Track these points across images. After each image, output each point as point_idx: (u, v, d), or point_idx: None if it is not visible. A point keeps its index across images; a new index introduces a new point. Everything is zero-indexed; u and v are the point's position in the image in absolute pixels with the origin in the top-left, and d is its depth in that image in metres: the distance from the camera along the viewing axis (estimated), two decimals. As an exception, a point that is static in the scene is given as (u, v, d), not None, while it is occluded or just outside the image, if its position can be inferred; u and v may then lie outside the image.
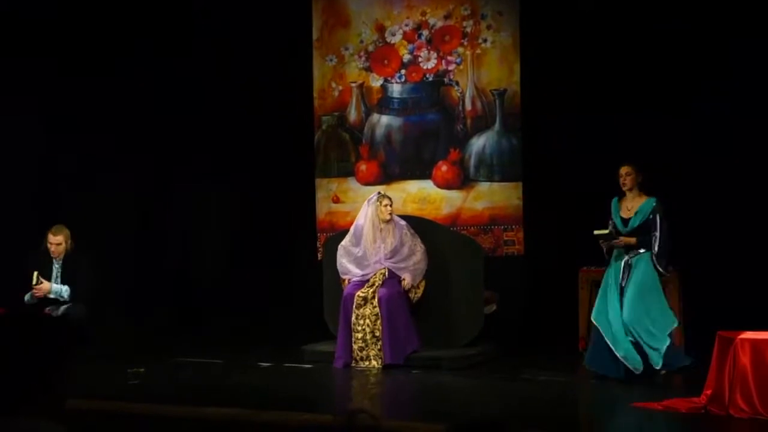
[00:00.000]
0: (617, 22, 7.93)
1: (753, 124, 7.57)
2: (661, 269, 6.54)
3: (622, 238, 6.57)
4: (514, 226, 8.37)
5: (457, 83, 8.56)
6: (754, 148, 7.58)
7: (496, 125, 8.45)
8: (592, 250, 7.67)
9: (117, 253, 8.75)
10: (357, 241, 7.48)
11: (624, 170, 6.63)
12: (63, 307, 7.27)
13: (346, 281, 7.50)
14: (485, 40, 8.48)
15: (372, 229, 7.42)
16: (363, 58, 8.82)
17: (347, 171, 8.85)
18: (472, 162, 8.53)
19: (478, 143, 8.50)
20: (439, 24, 8.61)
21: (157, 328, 8.59)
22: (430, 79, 8.65)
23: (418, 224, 7.82)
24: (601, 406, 6.11)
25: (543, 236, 8.14)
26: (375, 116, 8.80)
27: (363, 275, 7.41)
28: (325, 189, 8.89)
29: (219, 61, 9.07)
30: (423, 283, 7.49)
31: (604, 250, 6.73)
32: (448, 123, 8.60)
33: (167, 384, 6.61)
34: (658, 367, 6.36)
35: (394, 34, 8.73)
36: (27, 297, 7.31)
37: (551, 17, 8.20)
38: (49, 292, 7.27)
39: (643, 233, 6.56)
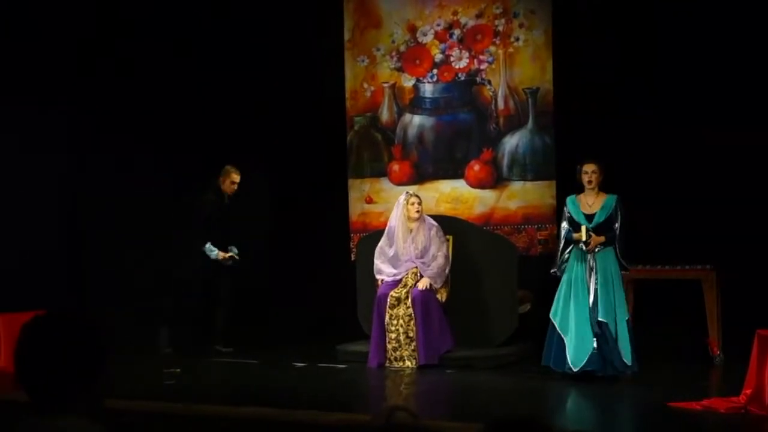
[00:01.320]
0: (649, 20, 7.84)
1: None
2: (624, 263, 6.67)
3: (593, 239, 6.65)
4: (547, 225, 8.31)
5: (490, 82, 8.52)
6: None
7: (529, 124, 8.40)
8: (628, 248, 7.61)
9: (145, 254, 8.82)
10: (391, 242, 7.49)
11: (590, 168, 6.77)
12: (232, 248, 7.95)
13: (380, 282, 7.50)
14: (517, 39, 8.44)
15: (402, 228, 7.43)
16: (395, 59, 8.81)
17: (380, 171, 8.85)
18: (505, 161, 8.48)
19: (511, 142, 8.46)
20: (471, 23, 8.57)
21: (195, 328, 8.64)
22: (462, 78, 8.62)
23: (451, 224, 7.80)
24: (637, 405, 6.05)
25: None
26: (407, 116, 8.79)
27: (395, 274, 7.41)
28: (358, 189, 8.89)
29: (252, 63, 9.11)
30: (446, 289, 7.44)
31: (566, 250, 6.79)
32: (480, 122, 8.56)
33: (202, 384, 6.64)
34: (630, 364, 6.46)
35: (425, 34, 8.72)
36: (214, 254, 7.82)
37: (583, 15, 8.13)
38: (230, 260, 7.90)
39: (605, 230, 6.66)
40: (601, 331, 6.49)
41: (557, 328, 6.59)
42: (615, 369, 6.48)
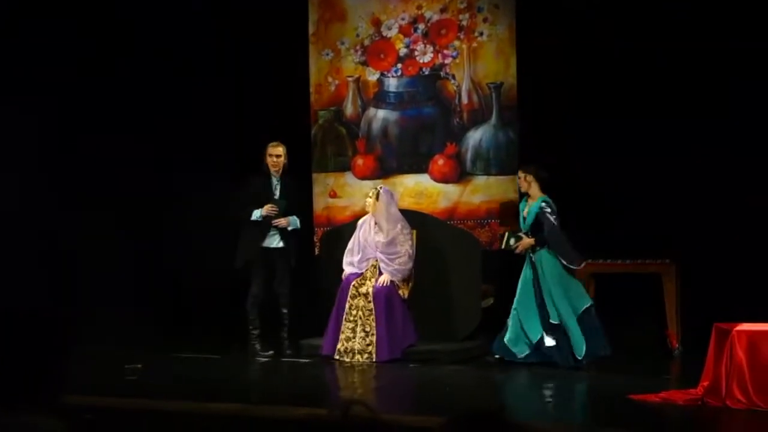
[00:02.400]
0: (612, 15, 7.94)
1: (750, 122, 7.58)
2: (565, 262, 6.92)
3: (522, 242, 7.05)
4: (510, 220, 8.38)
5: (454, 77, 8.57)
6: (753, 142, 7.60)
7: (493, 119, 8.46)
8: (590, 243, 7.71)
9: (119, 249, 8.80)
10: (355, 235, 7.59)
11: (520, 174, 7.19)
12: (292, 219, 7.60)
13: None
14: (481, 34, 8.49)
15: (368, 221, 7.52)
16: (359, 53, 8.82)
17: (344, 165, 8.86)
18: (469, 155, 8.54)
19: (475, 137, 8.52)
20: (435, 17, 8.61)
21: (154, 324, 8.61)
22: (427, 72, 8.65)
23: (415, 218, 7.84)
24: (598, 397, 6.14)
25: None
26: (371, 110, 8.81)
27: (359, 264, 7.47)
28: (322, 184, 8.90)
29: (214, 57, 9.07)
30: (408, 285, 7.49)
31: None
32: (444, 117, 8.61)
33: (164, 380, 6.62)
34: (580, 357, 6.72)
35: (390, 28, 8.74)
36: (257, 215, 7.52)
37: (547, 10, 8.21)
38: (288, 225, 7.57)
39: (536, 232, 7.01)
40: (549, 328, 6.78)
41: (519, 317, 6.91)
42: (564, 363, 6.71)
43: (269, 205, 7.54)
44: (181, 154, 9.23)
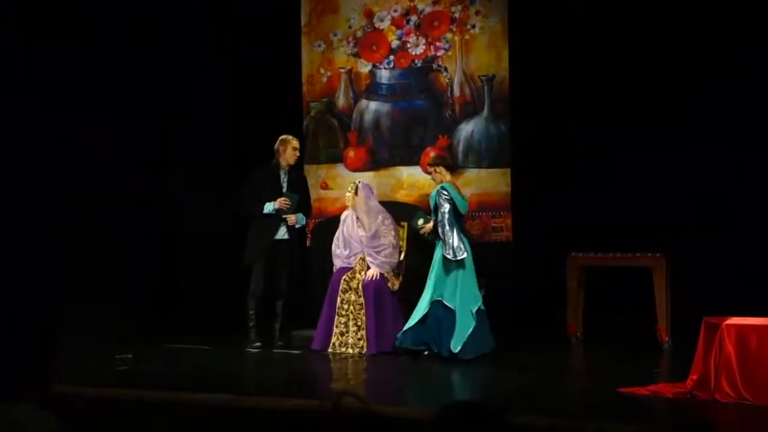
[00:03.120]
0: (605, 8, 7.94)
1: (747, 116, 7.60)
2: (448, 255, 6.89)
3: (426, 225, 7.13)
4: (502, 213, 8.40)
5: (446, 69, 8.56)
6: (745, 138, 7.62)
7: (485, 111, 8.47)
8: (582, 236, 7.73)
9: (109, 236, 8.80)
10: (339, 230, 7.61)
11: (429, 170, 7.28)
12: (300, 216, 7.59)
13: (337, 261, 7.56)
14: (474, 26, 8.49)
15: (350, 215, 7.53)
16: (351, 44, 8.81)
17: (336, 157, 8.86)
18: (461, 148, 8.54)
19: (467, 129, 8.52)
20: (428, 9, 8.60)
21: (145, 314, 8.61)
22: (419, 64, 8.65)
23: (406, 210, 7.84)
24: (589, 390, 6.16)
25: (531, 223, 8.18)
26: (363, 102, 8.80)
27: (347, 259, 7.47)
28: (314, 175, 8.89)
29: (207, 48, 9.05)
30: (398, 278, 7.50)
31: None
32: (436, 109, 8.61)
33: (155, 370, 6.62)
34: (456, 352, 6.77)
35: (382, 20, 8.73)
36: (270, 208, 7.44)
37: (539, 3, 8.21)
38: (296, 223, 7.55)
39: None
40: (430, 312, 6.86)
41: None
42: (438, 349, 6.84)
43: (282, 199, 7.46)
44: (173, 145, 9.22)
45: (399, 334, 7.03)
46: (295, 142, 7.61)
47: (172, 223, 9.36)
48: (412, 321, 6.96)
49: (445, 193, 6.99)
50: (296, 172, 7.76)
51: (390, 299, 7.40)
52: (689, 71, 7.68)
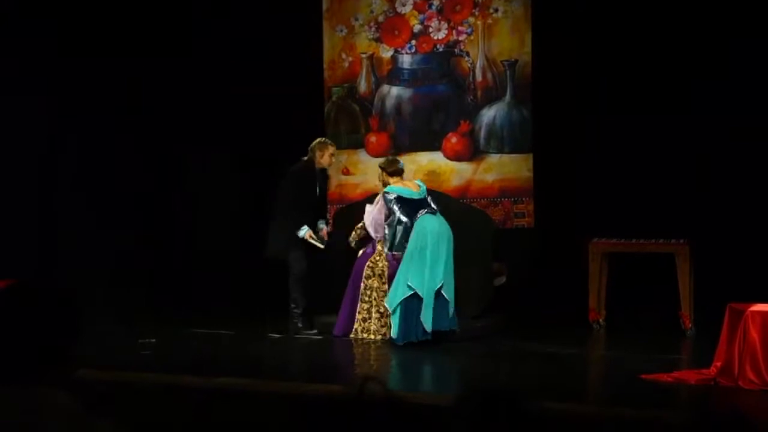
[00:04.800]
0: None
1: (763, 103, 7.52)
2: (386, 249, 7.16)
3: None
4: (524, 198, 8.35)
5: (468, 54, 8.50)
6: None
7: (507, 96, 8.41)
8: (603, 222, 7.68)
9: (129, 224, 8.85)
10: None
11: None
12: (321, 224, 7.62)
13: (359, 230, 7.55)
14: (496, 10, 8.42)
15: (379, 199, 7.56)
16: (373, 29, 8.77)
17: (357, 143, 8.84)
18: (483, 134, 8.50)
19: (489, 114, 8.47)
20: (450, -6, 8.54)
21: (169, 298, 8.66)
22: (441, 49, 8.59)
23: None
24: (610, 377, 6.14)
25: (553, 208, 8.13)
26: (385, 87, 8.76)
27: (375, 237, 7.49)
28: (335, 161, 8.87)
29: (228, 33, 9.04)
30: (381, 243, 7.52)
31: None
32: (458, 94, 8.56)
33: (177, 354, 6.66)
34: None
35: (404, 4, 8.68)
36: (302, 234, 7.37)
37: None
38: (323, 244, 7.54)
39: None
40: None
41: None
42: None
43: (316, 242, 7.45)
44: (192, 133, 9.24)
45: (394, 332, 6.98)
46: (332, 148, 7.54)
47: (196, 206, 9.39)
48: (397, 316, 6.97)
49: (387, 193, 7.09)
50: (326, 172, 7.72)
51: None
52: (719, 53, 7.58)
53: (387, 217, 7.15)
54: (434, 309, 6.85)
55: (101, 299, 7.75)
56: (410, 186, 7.15)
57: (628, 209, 7.72)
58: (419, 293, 6.85)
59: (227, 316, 8.13)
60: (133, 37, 8.92)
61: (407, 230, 7.02)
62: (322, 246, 7.50)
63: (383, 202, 7.30)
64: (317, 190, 7.53)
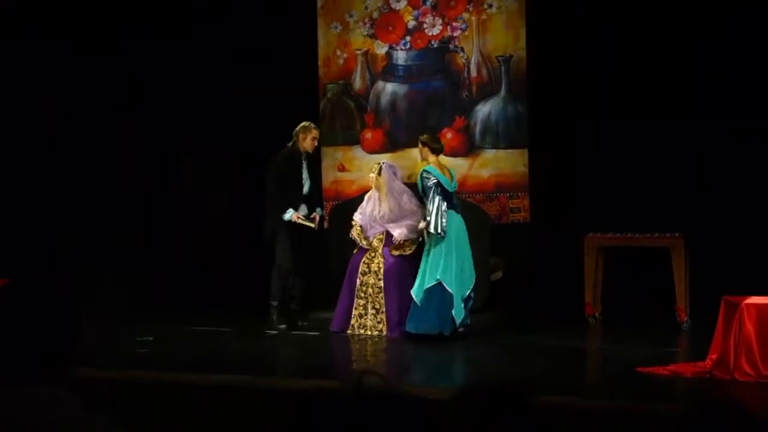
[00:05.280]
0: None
1: (759, 92, 7.53)
2: (430, 229, 6.97)
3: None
4: (519, 194, 8.36)
5: (463, 49, 8.50)
6: (766, 115, 7.55)
7: (502, 92, 8.41)
8: (598, 216, 7.69)
9: (128, 224, 8.86)
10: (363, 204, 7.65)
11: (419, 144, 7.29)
12: (318, 210, 7.78)
13: (357, 226, 7.54)
14: (491, 6, 8.42)
15: (373, 195, 7.58)
16: (368, 25, 8.76)
17: (352, 139, 8.83)
18: (478, 129, 8.50)
19: (484, 110, 8.47)
20: (444, -11, 8.53)
21: (166, 296, 8.66)
22: (435, 45, 8.59)
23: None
24: (607, 371, 6.15)
25: (549, 203, 8.14)
26: (380, 84, 8.76)
27: (366, 235, 7.49)
28: (331, 157, 8.88)
29: (222, 30, 9.03)
30: (412, 246, 7.50)
31: None
32: (453, 90, 8.56)
33: (175, 352, 6.66)
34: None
35: (398, 0, 8.67)
36: (288, 216, 7.47)
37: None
38: (316, 225, 7.62)
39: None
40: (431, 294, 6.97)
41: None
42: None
43: (305, 222, 7.53)
44: (188, 131, 9.23)
45: (408, 323, 7.00)
46: (315, 132, 7.67)
47: (192, 204, 9.38)
48: (417, 306, 6.98)
49: (428, 173, 7.04)
50: (313, 157, 7.77)
51: (412, 283, 7.40)
52: (711, 47, 7.59)
53: (417, 196, 7.09)
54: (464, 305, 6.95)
55: (100, 298, 7.75)
56: (446, 174, 7.15)
57: (623, 203, 7.73)
58: (448, 288, 6.87)
59: (225, 314, 8.13)
60: (131, 35, 8.91)
61: (455, 211, 7.05)
62: (313, 225, 7.54)
63: (390, 190, 7.36)
64: (304, 175, 7.56)
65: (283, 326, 7.53)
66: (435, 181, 6.99)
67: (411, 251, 7.44)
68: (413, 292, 7.00)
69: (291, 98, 8.70)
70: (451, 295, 6.88)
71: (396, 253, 7.40)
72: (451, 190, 7.11)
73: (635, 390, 5.28)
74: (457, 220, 7.07)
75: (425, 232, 7.02)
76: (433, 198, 6.95)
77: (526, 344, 6.79)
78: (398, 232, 7.39)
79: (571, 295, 7.66)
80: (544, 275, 7.90)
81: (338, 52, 8.86)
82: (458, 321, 6.89)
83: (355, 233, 7.58)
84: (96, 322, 6.80)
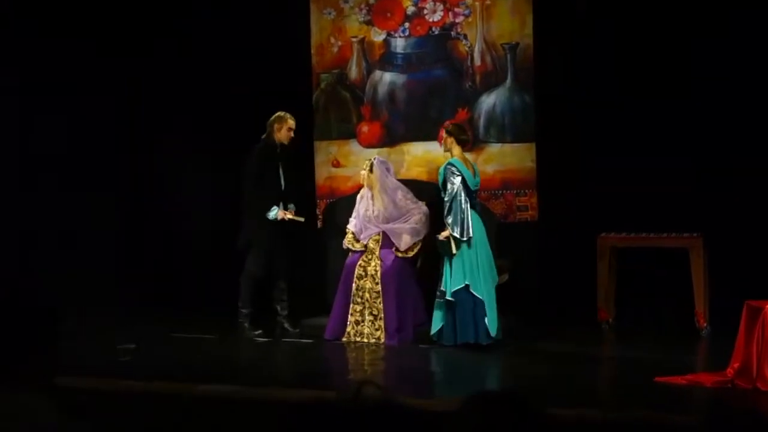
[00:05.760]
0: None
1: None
2: (455, 234, 6.93)
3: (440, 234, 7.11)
4: (527, 191, 8.36)
5: (466, 37, 8.51)
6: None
7: (508, 82, 8.42)
8: (612, 215, 7.70)
9: (106, 220, 8.87)
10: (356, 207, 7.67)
11: (442, 134, 7.35)
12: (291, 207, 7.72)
13: (350, 234, 7.54)
14: (495, -10, 8.42)
15: (365, 194, 7.64)
16: (364, 11, 8.77)
17: (348, 133, 8.84)
18: (482, 122, 8.50)
19: (488, 101, 8.48)
20: (446, -28, 8.54)
21: (149, 301, 8.66)
22: (436, 32, 8.60)
23: (423, 189, 7.84)
24: (621, 380, 6.16)
25: (558, 201, 8.14)
26: (377, 73, 8.76)
27: (362, 238, 7.50)
28: (325, 152, 8.88)
29: (210, 15, 9.03)
30: (419, 246, 7.52)
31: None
32: (455, 80, 8.57)
33: (159, 360, 6.66)
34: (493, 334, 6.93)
35: (397, -16, 8.68)
36: (273, 215, 7.52)
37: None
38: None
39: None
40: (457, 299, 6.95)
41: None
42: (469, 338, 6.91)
43: (288, 217, 7.57)
44: (167, 124, 9.23)
45: (434, 330, 6.99)
46: (291, 122, 7.71)
47: (172, 201, 9.38)
48: (441, 313, 6.96)
49: (454, 168, 7.03)
50: (289, 150, 7.79)
51: (411, 286, 7.42)
52: (729, 38, 7.60)
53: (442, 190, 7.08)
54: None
55: (82, 302, 7.76)
56: (470, 168, 7.18)
57: (638, 201, 7.74)
58: (476, 294, 6.89)
59: (212, 320, 8.14)
60: (111, 19, 8.92)
61: (475, 212, 7.07)
62: (302, 220, 7.64)
63: (383, 187, 7.37)
64: (280, 170, 7.57)
65: (258, 332, 7.55)
66: (460, 177, 6.99)
67: (415, 251, 7.47)
68: (445, 289, 6.93)
69: (281, 89, 8.70)
70: (481, 301, 6.88)
71: (401, 255, 7.43)
72: (473, 188, 7.14)
73: (651, 401, 5.29)
74: (477, 220, 7.09)
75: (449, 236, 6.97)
76: (457, 198, 6.96)
77: (533, 352, 6.80)
78: (403, 242, 7.41)
79: (582, 298, 7.67)
80: (554, 278, 7.91)
81: (332, 40, 8.86)
82: (493, 331, 6.87)
83: (347, 242, 7.60)
84: (77, 327, 6.81)
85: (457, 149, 7.21)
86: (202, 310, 8.48)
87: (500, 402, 1.79)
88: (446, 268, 6.99)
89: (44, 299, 2.02)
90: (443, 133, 7.35)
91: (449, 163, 7.09)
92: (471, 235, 6.95)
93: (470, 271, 6.93)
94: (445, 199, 7.04)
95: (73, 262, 8.61)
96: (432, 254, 7.42)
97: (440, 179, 7.16)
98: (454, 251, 6.93)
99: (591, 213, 7.83)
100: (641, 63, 7.84)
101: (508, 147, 8.42)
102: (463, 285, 6.89)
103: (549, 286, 7.88)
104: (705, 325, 7.31)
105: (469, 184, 7.08)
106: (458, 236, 6.92)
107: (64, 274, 8.35)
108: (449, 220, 6.97)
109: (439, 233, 7.08)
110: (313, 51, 8.89)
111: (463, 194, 6.99)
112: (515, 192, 8.38)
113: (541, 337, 7.21)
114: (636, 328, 7.43)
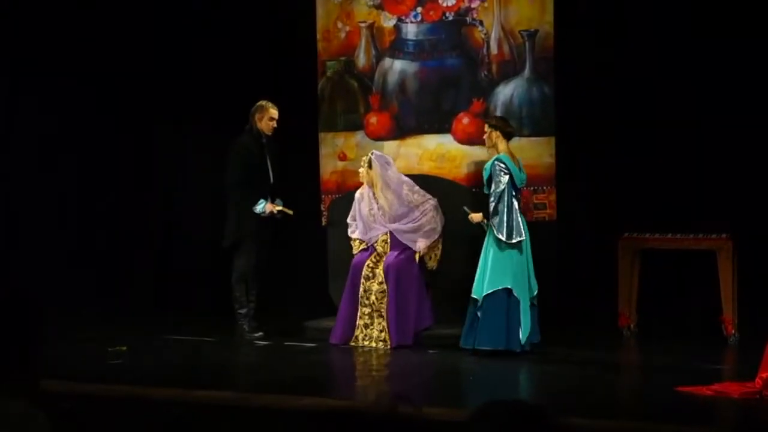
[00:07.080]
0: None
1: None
2: (500, 236, 6.91)
3: (471, 215, 7.15)
4: (545, 188, 8.36)
5: (481, 23, 8.51)
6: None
7: (526, 71, 8.41)
8: (635, 215, 7.69)
9: (100, 216, 8.91)
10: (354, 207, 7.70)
11: (485, 128, 7.31)
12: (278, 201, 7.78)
13: (356, 242, 7.59)
14: (514, -27, 8.42)
15: (366, 193, 7.66)
16: (373, -6, 8.77)
17: (355, 124, 8.85)
18: (498, 113, 8.50)
19: (505, 92, 8.47)
20: (461, -45, 8.54)
21: (144, 302, 8.69)
22: (450, 18, 8.60)
23: (435, 185, 7.85)
24: (643, 390, 6.17)
25: (578, 199, 8.14)
26: (387, 61, 8.77)
27: (368, 239, 7.52)
28: (331, 145, 8.89)
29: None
30: (439, 251, 7.53)
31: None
32: (470, 69, 8.57)
33: (152, 364, 6.69)
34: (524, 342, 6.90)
35: (409, -33, 8.68)
36: (260, 209, 7.55)
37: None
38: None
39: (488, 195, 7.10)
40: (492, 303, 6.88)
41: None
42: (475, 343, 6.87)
43: (278, 209, 7.62)
44: (169, 110, 9.26)
45: (464, 338, 6.98)
46: (273, 111, 7.73)
47: (169, 203, 9.42)
48: (471, 318, 6.95)
49: (502, 164, 7.02)
50: (273, 141, 7.82)
51: (414, 284, 7.41)
52: (764, 38, 7.59)
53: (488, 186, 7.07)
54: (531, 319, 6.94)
55: (70, 303, 7.80)
56: (517, 164, 7.19)
57: (663, 200, 7.74)
58: (516, 295, 6.89)
59: (210, 322, 8.16)
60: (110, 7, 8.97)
61: (519, 213, 7.05)
62: (291, 212, 7.69)
63: (386, 183, 7.39)
64: (268, 162, 7.59)
65: (259, 334, 7.56)
66: (508, 175, 7.00)
67: (435, 265, 7.49)
68: (473, 290, 6.92)
69: (285, 77, 8.72)
70: (520, 307, 6.86)
71: (428, 265, 7.47)
72: (519, 184, 7.16)
73: (674, 412, 5.30)
74: (524, 222, 7.09)
75: (489, 228, 6.95)
76: (503, 198, 6.95)
77: (552, 359, 6.80)
78: (421, 246, 7.42)
79: (603, 303, 7.67)
80: (573, 281, 7.92)
81: (339, 25, 8.87)
82: (524, 337, 6.85)
83: (356, 251, 7.61)
84: (64, 328, 6.85)
85: (503, 143, 7.21)
86: (202, 312, 8.51)
87: (514, 411, 1.80)
88: (484, 264, 6.95)
89: (35, 300, 2.03)
90: (486, 128, 7.32)
91: (497, 159, 7.08)
92: (523, 237, 6.94)
93: (513, 275, 6.89)
94: (491, 198, 7.02)
95: (70, 262, 8.67)
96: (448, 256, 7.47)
97: (485, 175, 7.16)
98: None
99: (613, 212, 7.83)
100: (665, 52, 7.81)
101: (525, 141, 8.42)
102: (502, 287, 6.86)
103: (567, 290, 7.89)
104: (733, 332, 7.31)
105: (516, 180, 7.08)
106: (504, 239, 6.91)
107: (60, 274, 8.41)
108: (495, 221, 6.95)
109: (471, 213, 7.10)
110: (318, 36, 8.90)
111: (512, 193, 7.00)
112: (533, 189, 8.38)
113: (559, 343, 7.21)
114: (659, 335, 7.43)
